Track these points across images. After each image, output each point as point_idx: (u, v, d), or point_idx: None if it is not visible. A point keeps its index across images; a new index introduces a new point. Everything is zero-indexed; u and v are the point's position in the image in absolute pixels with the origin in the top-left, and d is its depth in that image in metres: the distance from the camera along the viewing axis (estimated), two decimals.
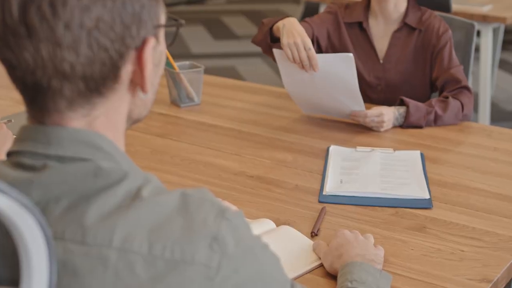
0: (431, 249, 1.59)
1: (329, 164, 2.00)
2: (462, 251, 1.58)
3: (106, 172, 0.90)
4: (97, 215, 0.88)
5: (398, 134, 2.26)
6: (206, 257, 0.88)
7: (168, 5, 8.46)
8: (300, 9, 5.99)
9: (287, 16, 2.27)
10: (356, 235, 1.54)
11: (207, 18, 7.94)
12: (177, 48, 6.64)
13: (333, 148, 2.11)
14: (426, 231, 1.67)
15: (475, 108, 4.49)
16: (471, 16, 4.09)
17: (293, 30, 2.16)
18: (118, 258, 0.86)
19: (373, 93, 2.47)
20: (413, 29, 2.46)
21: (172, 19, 1.01)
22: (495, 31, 5.12)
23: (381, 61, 2.49)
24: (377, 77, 2.51)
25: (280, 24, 2.22)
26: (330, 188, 1.86)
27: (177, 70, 2.47)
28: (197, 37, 7.08)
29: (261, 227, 1.62)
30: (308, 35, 2.25)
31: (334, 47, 2.50)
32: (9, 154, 0.94)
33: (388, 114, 2.26)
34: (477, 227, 1.68)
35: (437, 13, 2.66)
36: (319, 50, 2.47)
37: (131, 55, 0.92)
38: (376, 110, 2.25)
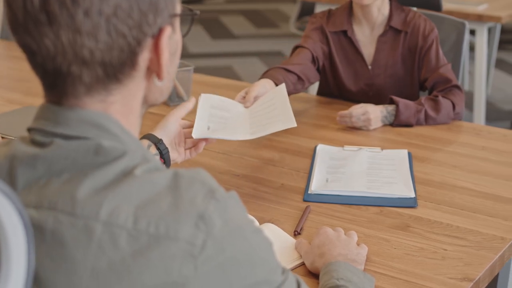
0: (414, 248, 1.58)
1: (316, 163, 2.00)
2: (445, 250, 1.58)
3: (106, 150, 0.93)
4: (90, 189, 0.91)
5: (387, 133, 2.26)
6: (190, 234, 0.89)
7: None
8: (296, 8, 5.98)
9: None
10: (339, 233, 1.53)
11: (206, 17, 7.93)
12: None
13: (320, 147, 2.11)
14: (409, 230, 1.66)
15: (471, 107, 4.49)
16: (466, 15, 4.09)
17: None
18: (103, 231, 0.88)
19: (364, 100, 2.43)
20: (398, 31, 2.43)
21: (188, 9, 1.04)
22: (491, 31, 5.12)
23: (369, 67, 2.47)
24: (367, 83, 2.49)
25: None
26: (315, 187, 1.86)
27: None
28: (194, 37, 7.08)
29: None
30: (308, 59, 2.41)
31: (326, 60, 2.49)
32: (28, 130, 0.98)
33: (374, 112, 2.26)
34: (461, 226, 1.68)
35: (428, 12, 2.66)
36: (319, 68, 2.47)
37: (148, 43, 0.94)
38: (361, 108, 2.25)
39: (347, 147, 2.11)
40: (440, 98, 2.31)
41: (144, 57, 0.95)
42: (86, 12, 0.88)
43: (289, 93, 2.19)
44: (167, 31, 0.95)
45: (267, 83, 2.19)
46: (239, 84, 2.77)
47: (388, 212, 1.75)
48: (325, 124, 2.33)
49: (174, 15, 0.98)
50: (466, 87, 5.26)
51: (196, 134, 1.71)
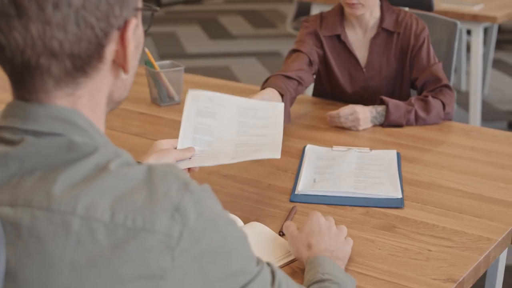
0: (398, 249, 1.58)
1: (304, 164, 2.00)
2: (430, 250, 1.57)
3: (78, 146, 0.94)
4: (65, 185, 0.91)
5: (377, 133, 2.25)
6: (167, 226, 0.91)
7: (165, 4, 8.51)
8: (293, 8, 5.98)
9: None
10: (330, 224, 1.52)
11: (204, 17, 7.93)
12: (172, 48, 6.64)
13: (309, 148, 2.11)
14: (395, 230, 1.66)
15: (466, 108, 4.48)
16: (462, 15, 4.09)
17: None
18: (80, 225, 0.89)
19: (360, 103, 2.43)
20: (391, 32, 2.42)
21: (147, 6, 1.07)
22: (488, 31, 5.12)
23: (364, 70, 2.46)
24: (362, 86, 2.48)
25: None
26: (302, 187, 1.85)
27: (158, 69, 2.47)
28: (192, 37, 7.08)
29: None
30: (306, 63, 2.38)
31: (321, 64, 2.49)
32: None
33: (363, 113, 2.26)
34: (447, 226, 1.68)
35: (420, 12, 2.66)
36: (315, 72, 2.47)
37: (115, 35, 0.97)
38: (349, 108, 2.25)
39: (335, 148, 2.10)
40: (430, 98, 2.30)
41: (110, 50, 0.97)
42: (55, 4, 0.90)
43: (291, 101, 2.25)
44: (133, 23, 0.98)
45: (271, 92, 2.17)
46: (235, 85, 2.77)
47: (374, 213, 1.74)
48: (315, 124, 2.32)
49: (137, 9, 1.00)
50: (463, 87, 5.26)
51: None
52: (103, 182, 0.92)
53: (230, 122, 1.80)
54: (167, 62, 2.56)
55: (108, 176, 0.92)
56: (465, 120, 4.56)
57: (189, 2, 8.73)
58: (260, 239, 1.59)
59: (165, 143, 1.63)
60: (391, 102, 2.28)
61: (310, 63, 2.41)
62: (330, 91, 2.54)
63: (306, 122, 2.35)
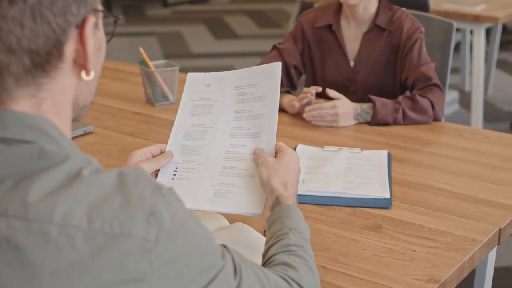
0: (382, 249, 1.58)
1: None
2: (414, 251, 1.57)
3: (49, 154, 0.95)
4: (39, 193, 0.92)
5: (369, 133, 2.25)
6: (144, 230, 0.92)
7: (171, 4, 8.52)
8: (296, 8, 5.98)
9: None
10: (298, 160, 1.49)
11: (210, 17, 7.94)
12: (177, 47, 6.65)
13: (300, 147, 2.11)
14: (381, 230, 1.66)
15: (468, 108, 4.47)
16: (463, 16, 4.09)
17: None
18: (59, 233, 0.90)
19: (345, 95, 2.46)
20: (383, 29, 2.46)
21: (112, 15, 1.09)
22: (492, 31, 5.10)
23: (351, 63, 2.50)
24: (349, 78, 2.52)
25: None
26: None
27: (152, 69, 2.48)
28: (197, 37, 7.09)
29: (213, 223, 1.62)
30: (283, 69, 2.48)
31: (305, 60, 2.58)
32: None
33: (345, 108, 2.29)
34: (433, 227, 1.67)
35: (416, 12, 2.66)
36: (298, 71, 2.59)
37: (73, 33, 0.98)
38: (330, 102, 2.29)
39: (327, 148, 2.10)
40: (418, 97, 2.31)
41: (70, 48, 0.98)
42: (10, 0, 0.92)
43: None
44: (91, 21, 0.99)
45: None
46: None
47: (361, 213, 1.74)
48: (306, 124, 2.32)
49: (96, 10, 1.02)
50: (467, 88, 5.25)
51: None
52: (77, 189, 0.93)
53: (225, 115, 1.63)
54: (162, 62, 2.56)
55: (82, 183, 0.93)
56: (467, 120, 4.55)
57: (195, 2, 8.73)
58: (245, 240, 1.58)
59: (139, 155, 1.53)
60: (378, 100, 2.30)
61: (287, 68, 2.53)
62: (318, 82, 2.57)
63: (297, 121, 2.35)
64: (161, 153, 1.58)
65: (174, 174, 1.57)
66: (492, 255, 1.82)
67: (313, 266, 1.29)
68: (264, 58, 2.61)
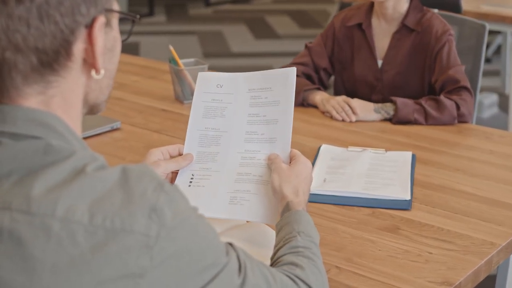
0: (398, 250, 1.57)
1: (317, 163, 2.00)
2: (430, 253, 1.56)
3: (55, 149, 0.96)
4: (43, 188, 0.93)
5: (395, 135, 2.24)
6: (145, 226, 0.93)
7: (213, 3, 8.56)
8: (335, 8, 5.96)
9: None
10: (311, 169, 1.50)
11: (251, 17, 7.95)
12: (217, 46, 6.68)
13: (324, 147, 2.10)
14: (398, 232, 1.65)
15: (506, 110, 4.40)
16: (503, 18, 4.02)
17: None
18: (60, 228, 0.91)
19: (372, 94, 2.46)
20: (411, 30, 2.44)
21: (129, 15, 1.09)
22: None
23: (379, 62, 2.50)
24: (376, 77, 2.51)
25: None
26: (311, 186, 1.84)
27: (182, 66, 2.49)
28: (238, 36, 7.11)
29: (230, 221, 1.61)
30: (311, 68, 2.56)
31: (334, 60, 2.59)
32: None
33: (359, 103, 2.35)
34: (452, 229, 1.66)
35: (448, 14, 2.64)
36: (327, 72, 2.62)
37: (82, 33, 0.99)
38: (343, 96, 2.37)
39: (351, 148, 2.09)
40: (442, 97, 2.30)
41: (78, 48, 0.99)
42: (18, 0, 0.93)
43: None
44: (100, 21, 1.00)
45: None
46: None
47: (380, 214, 1.73)
48: (332, 124, 2.32)
49: (110, 10, 1.02)
50: (507, 90, 5.17)
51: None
52: (80, 184, 0.94)
53: (239, 119, 1.62)
54: (191, 60, 2.58)
55: (85, 179, 0.94)
56: (506, 123, 4.49)
57: (237, 1, 8.76)
58: (261, 238, 1.58)
59: (157, 154, 1.53)
60: (400, 99, 2.32)
61: (315, 68, 2.57)
62: (347, 81, 2.58)
63: (324, 121, 2.35)
64: (179, 153, 1.58)
65: (191, 181, 1.56)
66: None
67: (321, 267, 1.29)
68: (295, 57, 2.61)
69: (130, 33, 1.13)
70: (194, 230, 1.00)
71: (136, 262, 0.93)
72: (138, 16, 1.11)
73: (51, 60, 0.97)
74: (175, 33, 7.16)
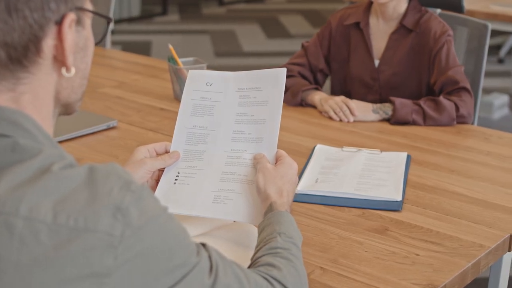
0: (385, 252, 1.55)
1: (310, 163, 1.98)
2: (417, 255, 1.54)
3: (22, 148, 0.96)
4: (8, 186, 0.93)
5: (391, 135, 2.22)
6: (109, 225, 0.92)
7: (227, 3, 8.55)
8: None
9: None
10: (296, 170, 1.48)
11: (264, 16, 7.94)
12: (229, 45, 6.67)
13: (318, 147, 2.09)
14: (387, 233, 1.63)
15: None
16: (511, 18, 3.98)
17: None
18: (23, 226, 0.91)
19: (368, 94, 2.45)
20: (409, 30, 2.42)
21: (103, 16, 1.09)
22: None
23: (376, 62, 2.48)
24: (372, 77, 2.49)
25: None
26: (302, 187, 1.84)
27: (181, 65, 2.49)
28: (250, 35, 7.10)
29: (214, 221, 1.60)
30: (307, 68, 2.55)
31: (330, 60, 2.58)
32: None
33: (357, 103, 2.33)
34: (441, 231, 1.64)
35: (450, 13, 2.61)
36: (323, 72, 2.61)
37: (52, 30, 0.99)
38: (342, 97, 2.36)
39: (346, 148, 2.08)
40: (441, 98, 2.28)
41: (48, 44, 0.99)
42: None
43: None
44: (69, 18, 1.00)
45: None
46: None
47: (370, 215, 1.72)
48: (329, 123, 2.31)
49: (81, 9, 1.02)
50: None
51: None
52: (46, 183, 0.93)
53: (227, 117, 1.60)
54: (190, 59, 2.57)
55: (50, 177, 0.94)
56: None
57: (251, 1, 8.75)
58: (247, 239, 1.57)
59: (143, 151, 1.52)
60: (398, 100, 2.30)
61: (310, 66, 2.56)
62: (343, 80, 2.57)
63: (320, 121, 2.33)
64: (166, 151, 1.57)
65: (176, 179, 1.55)
66: (507, 262, 1.77)
67: (300, 268, 1.27)
68: (291, 57, 2.60)
69: (104, 35, 1.13)
70: (163, 229, 0.99)
71: (100, 262, 0.92)
72: (111, 18, 1.12)
73: (20, 55, 0.97)
74: (188, 32, 7.16)
